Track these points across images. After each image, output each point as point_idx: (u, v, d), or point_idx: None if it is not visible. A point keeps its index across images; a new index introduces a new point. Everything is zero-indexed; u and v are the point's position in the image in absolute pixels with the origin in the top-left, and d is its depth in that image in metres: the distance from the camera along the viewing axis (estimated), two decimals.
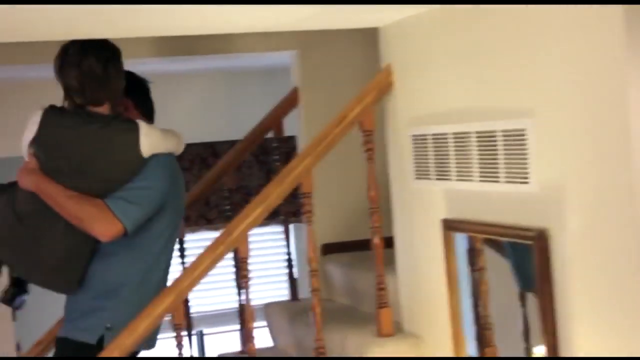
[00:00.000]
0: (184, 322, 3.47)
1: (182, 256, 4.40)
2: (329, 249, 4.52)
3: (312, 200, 3.44)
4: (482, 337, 3.03)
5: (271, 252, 7.44)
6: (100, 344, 3.24)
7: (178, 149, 3.45)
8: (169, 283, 3.39)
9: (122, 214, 3.19)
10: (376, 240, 3.48)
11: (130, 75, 3.47)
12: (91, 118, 3.26)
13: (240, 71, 6.54)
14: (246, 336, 3.46)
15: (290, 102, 4.70)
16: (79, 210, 3.20)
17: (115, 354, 3.19)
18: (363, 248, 4.38)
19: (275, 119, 4.69)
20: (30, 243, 3.29)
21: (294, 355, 4.13)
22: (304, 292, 4.51)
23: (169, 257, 3.44)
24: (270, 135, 4.75)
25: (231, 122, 6.63)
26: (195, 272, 3.31)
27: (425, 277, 3.36)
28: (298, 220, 4.54)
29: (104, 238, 3.21)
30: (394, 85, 3.47)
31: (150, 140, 3.27)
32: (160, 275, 3.39)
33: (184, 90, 6.58)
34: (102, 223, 3.18)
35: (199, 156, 7.06)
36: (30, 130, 3.29)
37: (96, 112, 3.27)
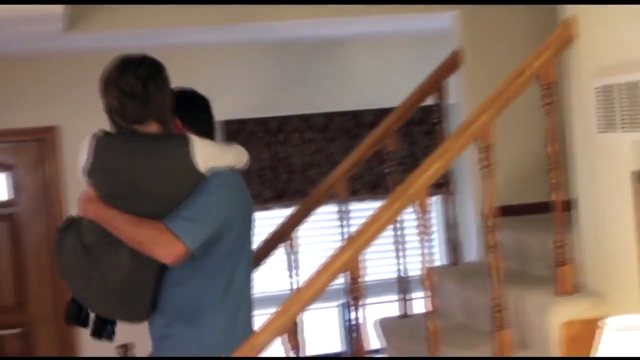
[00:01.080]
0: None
1: (342, 226, 4.51)
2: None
3: (492, 153, 3.37)
4: None
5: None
6: None
7: (239, 162, 3.32)
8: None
9: (182, 234, 3.06)
10: (555, 197, 3.39)
11: (180, 93, 3.33)
12: (138, 137, 3.14)
13: (390, 37, 6.46)
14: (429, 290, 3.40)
15: (450, 65, 4.63)
16: (138, 233, 3.10)
17: (294, 309, 3.22)
18: (532, 212, 4.33)
19: (435, 82, 4.62)
20: (96, 274, 3.20)
21: (462, 316, 4.07)
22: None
23: (245, 279, 3.31)
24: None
25: (377, 90, 6.57)
26: (374, 227, 3.28)
27: (611, 232, 3.26)
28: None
29: (168, 260, 3.09)
30: (577, 38, 3.37)
31: (204, 153, 3.13)
32: (235, 299, 3.26)
33: (331, 57, 6.53)
34: (163, 245, 3.06)
35: (343, 127, 7.06)
36: (82, 158, 3.20)
37: (143, 132, 3.14)
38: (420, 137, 7.11)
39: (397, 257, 4.52)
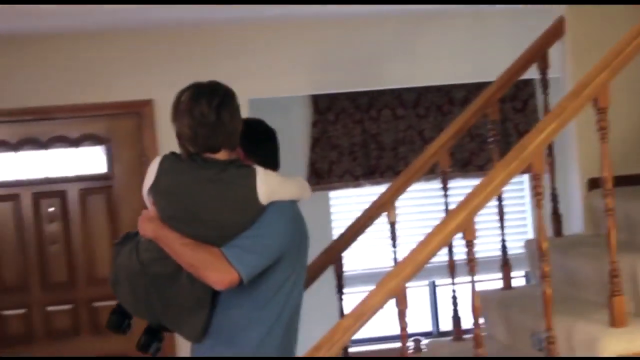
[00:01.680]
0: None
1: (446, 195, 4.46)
2: (596, 184, 4.34)
3: (607, 116, 3.28)
4: None
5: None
6: None
7: (301, 196, 3.35)
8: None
9: (237, 262, 3.11)
10: None
11: (247, 122, 3.34)
12: (206, 164, 3.17)
13: (486, 9, 6.34)
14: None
15: (555, 32, 4.52)
16: (194, 257, 3.14)
17: (408, 271, 3.18)
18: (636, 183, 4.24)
19: (539, 50, 4.52)
20: (153, 292, 3.28)
21: (567, 288, 3.99)
22: None
23: (294, 312, 3.34)
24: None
25: (471, 65, 6.45)
26: (487, 189, 3.22)
27: None
28: None
29: (219, 286, 3.14)
30: None
31: (268, 187, 3.17)
32: (280, 333, 3.29)
33: (424, 30, 6.42)
34: (217, 271, 3.11)
35: (434, 103, 6.98)
36: (149, 177, 3.24)
37: (212, 158, 3.17)
38: (512, 114, 7.01)
39: (501, 227, 4.43)
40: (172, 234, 3.18)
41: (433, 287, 7.30)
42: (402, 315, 3.34)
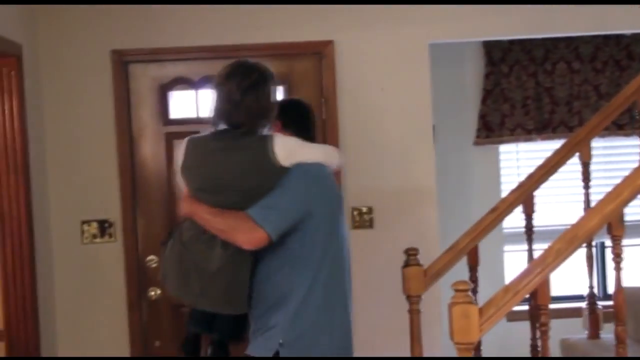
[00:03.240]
0: None
1: None
2: None
3: None
4: None
5: None
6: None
7: (328, 161, 3.54)
8: None
9: (262, 220, 3.31)
10: None
11: (285, 101, 3.92)
12: (223, 135, 3.46)
13: None
14: None
15: None
16: (222, 222, 3.37)
17: (626, 194, 3.07)
18: None
19: None
20: (193, 268, 3.45)
21: None
22: None
23: (332, 272, 3.49)
24: None
25: None
26: None
27: None
28: None
29: (248, 246, 3.34)
30: None
31: (285, 148, 3.38)
32: (321, 287, 3.45)
33: None
34: (244, 231, 3.32)
35: (612, 57, 6.76)
36: (179, 158, 3.56)
37: (231, 131, 3.46)
38: None
39: None
40: (202, 206, 3.42)
41: (602, 247, 7.10)
42: (616, 241, 3.24)
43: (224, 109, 3.46)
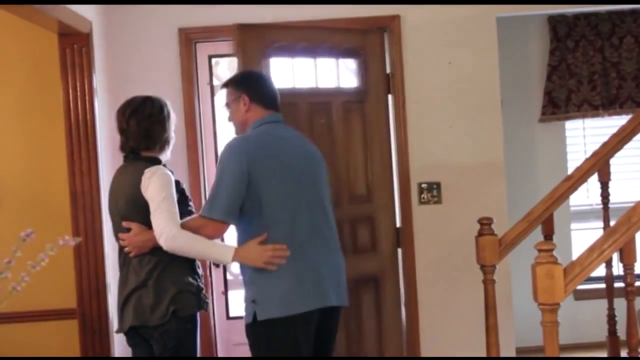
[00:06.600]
0: None
1: None
2: None
3: None
4: None
5: None
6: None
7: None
8: None
9: (209, 212, 3.70)
10: None
11: (246, 73, 4.27)
12: (127, 163, 4.06)
13: None
14: None
15: None
16: (188, 227, 3.75)
17: None
18: None
19: None
20: None
21: None
22: None
23: (289, 226, 3.74)
24: None
25: None
26: None
27: None
28: None
29: (215, 236, 3.75)
30: None
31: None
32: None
33: None
34: (202, 228, 3.71)
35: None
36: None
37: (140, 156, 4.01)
38: None
39: None
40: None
41: None
42: None
43: (121, 138, 4.03)
